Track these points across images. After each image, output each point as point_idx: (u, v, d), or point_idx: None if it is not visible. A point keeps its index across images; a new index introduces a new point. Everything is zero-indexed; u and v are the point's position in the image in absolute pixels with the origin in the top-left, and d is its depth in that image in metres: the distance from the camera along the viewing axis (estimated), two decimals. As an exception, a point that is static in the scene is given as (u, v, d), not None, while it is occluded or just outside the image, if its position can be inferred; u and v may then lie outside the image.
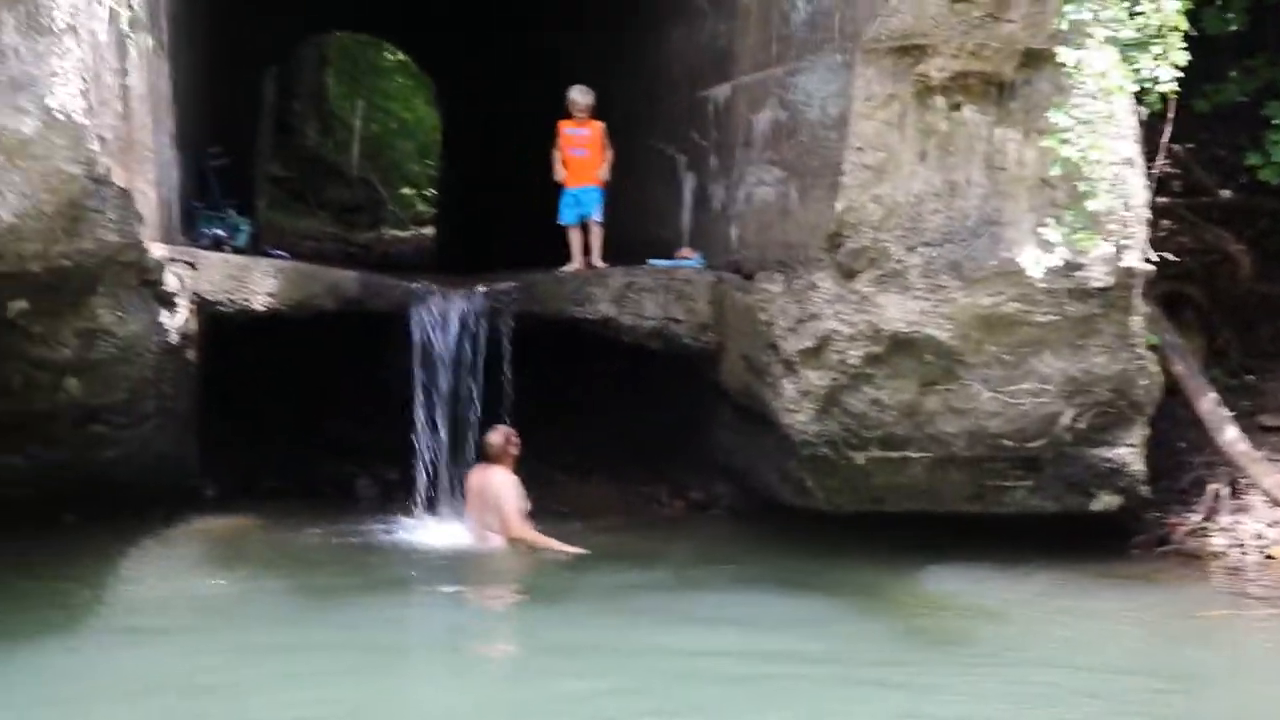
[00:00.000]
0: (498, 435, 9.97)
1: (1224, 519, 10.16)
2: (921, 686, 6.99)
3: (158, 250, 9.00)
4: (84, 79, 7.00)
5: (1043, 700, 6.89)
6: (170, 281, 9.22)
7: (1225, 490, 10.27)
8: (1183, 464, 10.53)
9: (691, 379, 10.94)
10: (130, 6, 8.40)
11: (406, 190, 38.34)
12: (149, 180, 9.33)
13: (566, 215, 11.86)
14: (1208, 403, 10.10)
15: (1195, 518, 10.17)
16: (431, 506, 10.64)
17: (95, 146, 7.15)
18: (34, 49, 6.86)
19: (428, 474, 10.63)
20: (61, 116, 6.96)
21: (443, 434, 10.68)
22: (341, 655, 7.31)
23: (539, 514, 10.06)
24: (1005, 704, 6.83)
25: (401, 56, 34.70)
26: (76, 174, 7.13)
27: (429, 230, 32.01)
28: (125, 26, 8.24)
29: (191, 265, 9.89)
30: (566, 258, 11.88)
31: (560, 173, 11.77)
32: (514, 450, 9.97)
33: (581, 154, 11.82)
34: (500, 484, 9.84)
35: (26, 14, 6.83)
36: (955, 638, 8.04)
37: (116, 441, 9.29)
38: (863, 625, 8.24)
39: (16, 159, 6.98)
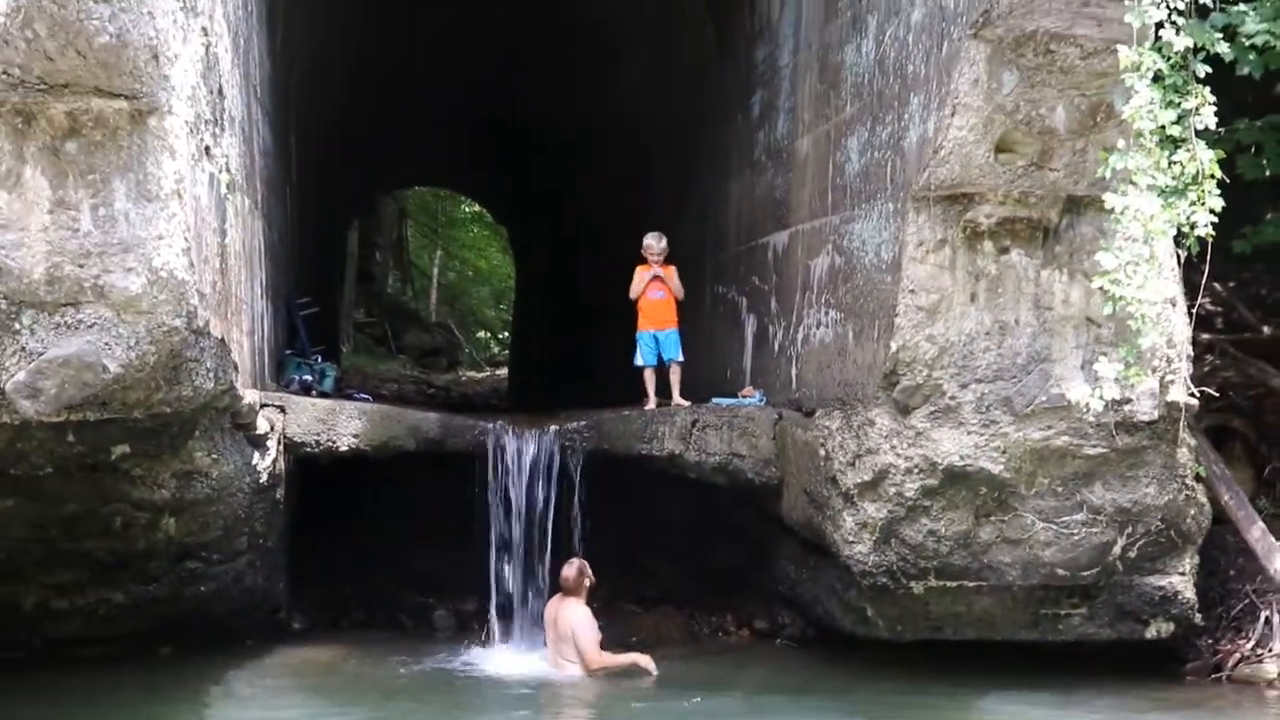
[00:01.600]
0: (572, 569, 9.99)
1: (1276, 645, 9.95)
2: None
3: (250, 396, 9.16)
4: (186, 239, 7.21)
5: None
6: (262, 425, 9.37)
7: (1276, 617, 10.08)
8: (1234, 592, 10.35)
9: (756, 513, 10.94)
10: (228, 170, 8.66)
11: (482, 334, 38.81)
12: (243, 330, 9.55)
13: (645, 356, 11.98)
14: (1257, 531, 9.96)
15: (1248, 645, 9.98)
16: (506, 637, 10.65)
17: (195, 301, 7.33)
18: (143, 214, 7.08)
19: (501, 606, 10.65)
20: (165, 275, 7.15)
21: (518, 567, 10.72)
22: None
23: (610, 644, 10.03)
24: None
25: (476, 208, 35.31)
26: (178, 326, 7.29)
27: (503, 371, 32.31)
28: (224, 189, 8.49)
29: (282, 409, 10.07)
30: (638, 398, 11.99)
31: (636, 291, 11.90)
32: (588, 583, 9.98)
33: (659, 296, 11.98)
34: (575, 616, 9.83)
35: (136, 182, 7.06)
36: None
37: (210, 577, 9.38)
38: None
39: (124, 314, 7.16)
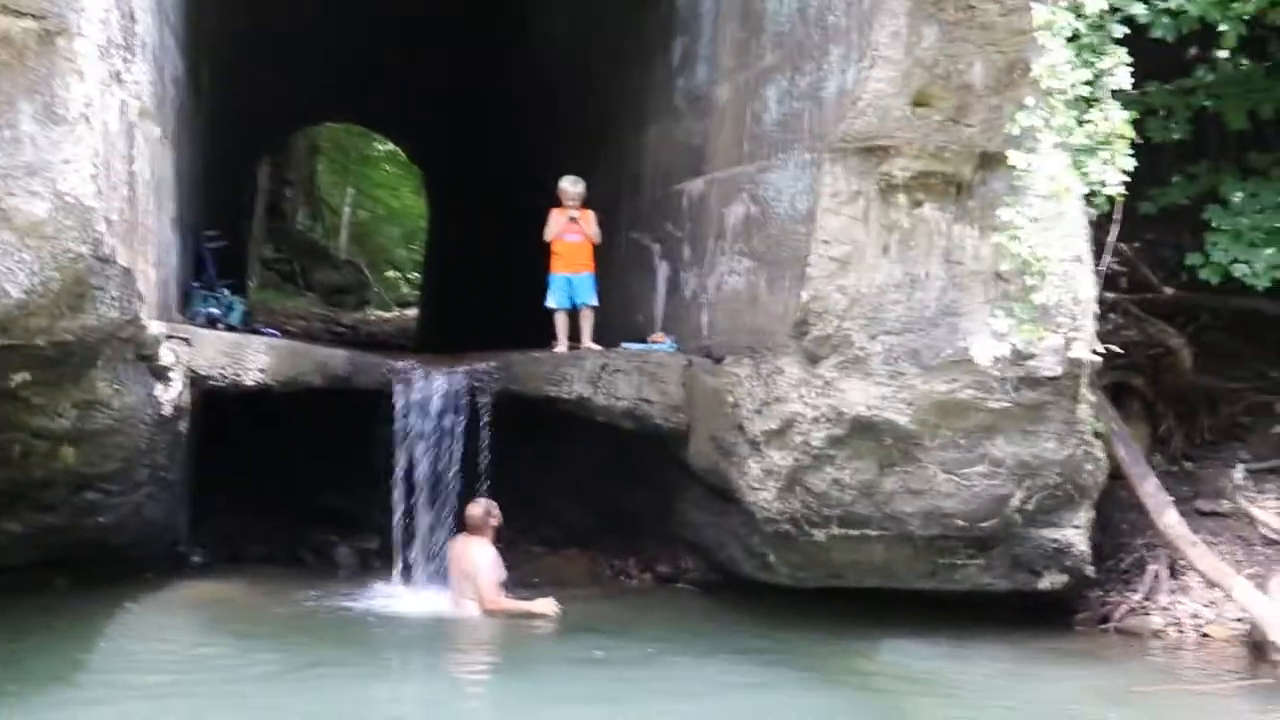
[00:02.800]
0: (478, 507, 9.99)
1: (1163, 599, 10.22)
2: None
3: (155, 327, 9.03)
4: (94, 165, 7.07)
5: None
6: (166, 357, 9.24)
7: (1165, 571, 10.35)
8: (1125, 546, 10.60)
9: (662, 458, 10.99)
10: (139, 98, 8.49)
11: (391, 274, 38.49)
12: (150, 261, 9.39)
13: (558, 299, 11.95)
14: (1150, 487, 10.18)
15: (1136, 597, 10.23)
16: (409, 576, 10.64)
17: (102, 228, 7.21)
18: (49, 136, 6.94)
19: (404, 545, 10.63)
20: (72, 200, 7.03)
21: (423, 506, 10.70)
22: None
23: (514, 584, 10.06)
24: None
25: (390, 146, 34.92)
26: (84, 253, 7.17)
27: (412, 312, 32.10)
28: (134, 116, 8.33)
29: (187, 342, 9.93)
30: (550, 340, 11.97)
31: (551, 233, 11.87)
32: (494, 522, 9.99)
33: (574, 239, 11.94)
34: (478, 555, 9.84)
35: (44, 104, 6.92)
36: (909, 708, 8.07)
37: (109, 509, 9.24)
38: (823, 695, 8.24)
39: (28, 239, 7.03)
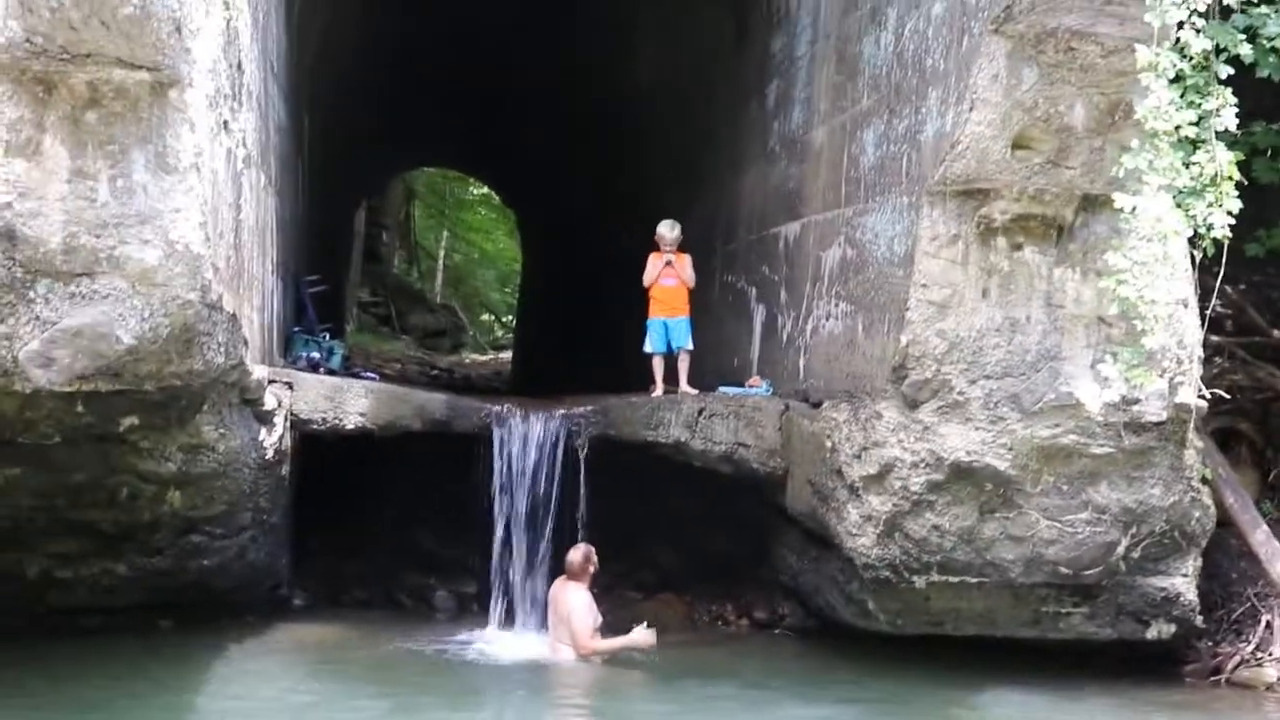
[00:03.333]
0: (578, 553, 10.01)
1: (1276, 650, 9.99)
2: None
3: (259, 371, 9.19)
4: (203, 213, 7.23)
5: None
6: (269, 401, 9.39)
7: (1277, 621, 10.12)
8: (1235, 595, 10.38)
9: (759, 502, 10.97)
10: (245, 145, 8.68)
11: (486, 316, 38.84)
12: (254, 306, 9.58)
13: (654, 343, 12.00)
14: (1260, 535, 9.99)
15: (1248, 648, 10.02)
16: (508, 620, 10.68)
17: (210, 275, 7.35)
18: (161, 186, 7.10)
19: (503, 589, 10.68)
20: (181, 248, 7.18)
21: (521, 551, 10.74)
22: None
23: (609, 630, 10.07)
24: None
25: (484, 190, 35.30)
26: (193, 300, 7.32)
27: (506, 355, 32.34)
28: (240, 165, 8.51)
29: (289, 386, 10.09)
30: (645, 384, 12.02)
31: (649, 278, 11.92)
32: (591, 568, 10.00)
33: (671, 283, 12.00)
34: (573, 600, 9.86)
35: (155, 153, 7.08)
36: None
37: (213, 551, 9.40)
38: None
39: (139, 286, 7.19)
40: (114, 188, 7.07)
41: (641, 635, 9.69)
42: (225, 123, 7.89)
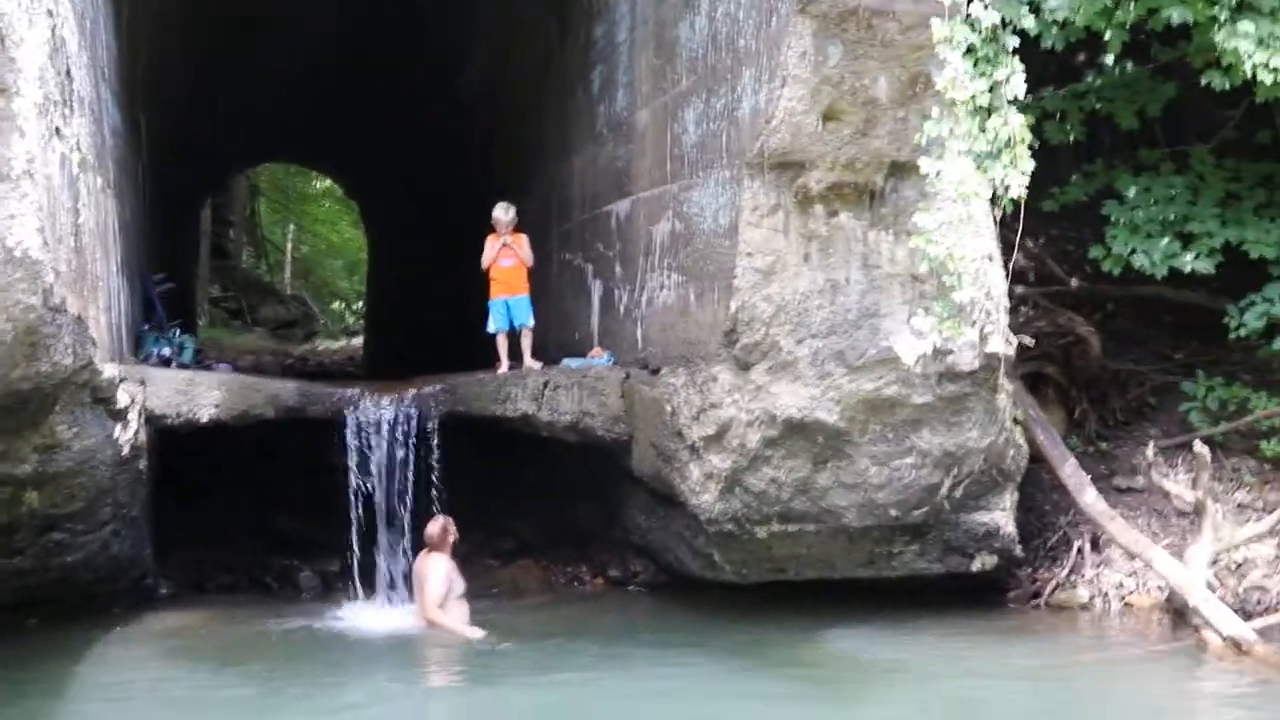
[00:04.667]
0: (434, 525, 9.91)
1: (1088, 573, 10.34)
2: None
3: (110, 370, 8.91)
4: (39, 219, 6.96)
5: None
6: (122, 398, 9.11)
7: (1088, 547, 10.46)
8: (1049, 525, 10.71)
9: (607, 468, 10.98)
10: (79, 150, 8.39)
11: (336, 305, 38.30)
12: (100, 306, 9.28)
13: (498, 322, 11.92)
14: (1069, 468, 10.29)
15: (1063, 573, 10.35)
16: (370, 595, 10.56)
17: (51, 279, 7.10)
18: (-5, 193, 6.85)
19: (364, 566, 10.55)
20: (20, 254, 6.91)
21: (380, 528, 10.62)
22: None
23: (472, 595, 10.00)
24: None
25: (327, 182, 34.76)
26: (34, 304, 7.06)
27: (358, 341, 31.93)
28: (76, 169, 8.22)
29: (141, 382, 9.81)
30: (490, 363, 11.94)
31: (487, 260, 11.83)
32: (450, 537, 9.91)
33: (509, 264, 11.90)
34: (429, 570, 9.76)
35: (-13, 162, 6.83)
36: (858, 692, 8.11)
37: (76, 548, 9.10)
38: (773, 684, 8.27)
39: (-21, 293, 6.93)
40: (-53, 198, 6.78)
41: (473, 631, 9.59)
42: (57, 129, 7.61)
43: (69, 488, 8.62)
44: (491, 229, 11.92)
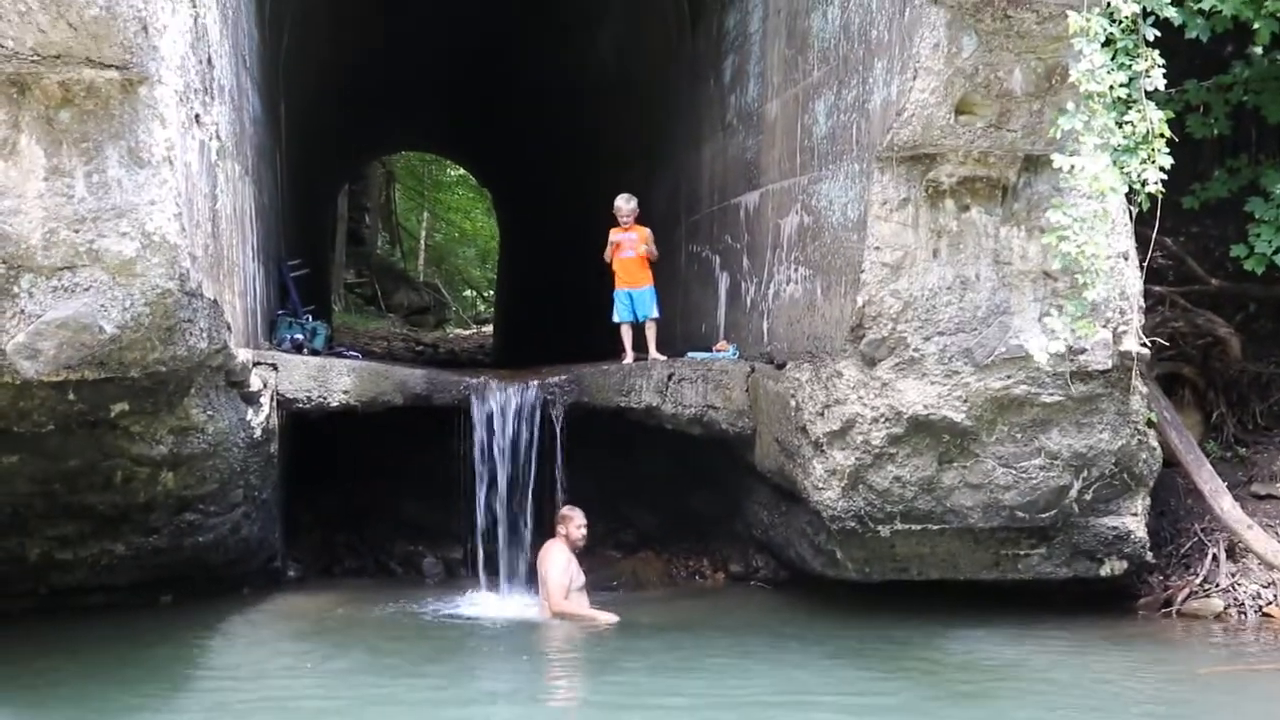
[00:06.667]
0: (562, 514, 10.01)
1: (1223, 581, 10.05)
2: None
3: (244, 354, 9.12)
4: (178, 204, 7.15)
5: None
6: (255, 382, 9.33)
7: (1223, 554, 10.18)
8: (1183, 531, 10.44)
9: (729, 461, 10.96)
10: (218, 137, 8.58)
11: (468, 293, 38.73)
12: (236, 291, 9.49)
13: (621, 313, 11.97)
14: (1204, 474, 10.03)
15: (1196, 581, 10.07)
16: (492, 583, 10.67)
17: (187, 264, 7.27)
18: (135, 180, 7.01)
19: (487, 554, 10.67)
20: (158, 239, 7.10)
21: (503, 516, 10.72)
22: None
23: (594, 587, 10.06)
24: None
25: (461, 171, 35.14)
26: (172, 289, 7.24)
27: (488, 329, 32.26)
28: (214, 156, 8.42)
29: (274, 367, 10.03)
30: (618, 353, 11.99)
31: (609, 253, 11.91)
32: (572, 529, 9.96)
33: (630, 255, 11.95)
34: (551, 560, 9.83)
35: (129, 149, 6.99)
36: (979, 695, 7.98)
37: (207, 529, 9.35)
38: (894, 683, 8.17)
39: (119, 277, 7.11)
40: (90, 183, 6.98)
41: (605, 616, 9.65)
42: (197, 116, 7.79)
43: (202, 469, 8.84)
44: (615, 220, 11.97)
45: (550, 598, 9.72)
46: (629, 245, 11.93)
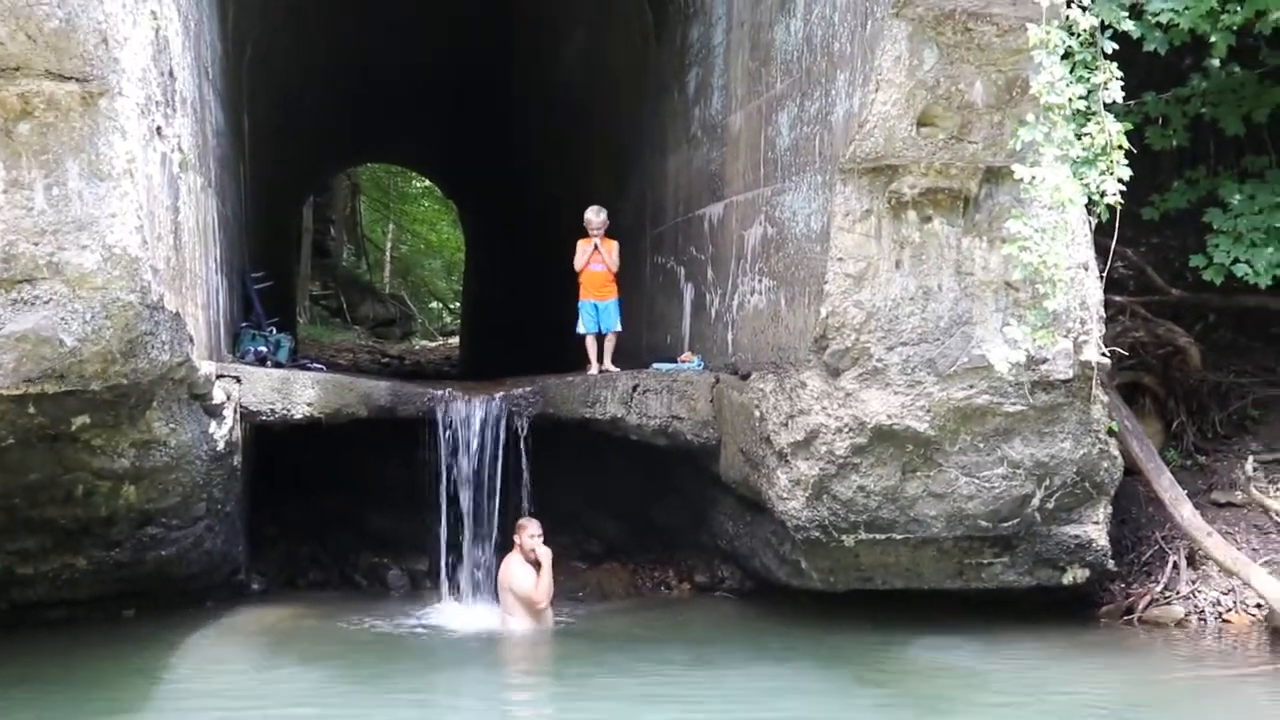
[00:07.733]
0: (518, 524, 9.99)
1: (1183, 588, 10.12)
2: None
3: (206, 367, 9.06)
4: (139, 217, 7.10)
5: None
6: (218, 395, 9.27)
7: (1184, 562, 10.24)
8: (1144, 539, 10.51)
9: (694, 472, 10.96)
10: (181, 150, 8.54)
11: (434, 304, 38.66)
12: (199, 304, 9.44)
13: (587, 325, 11.99)
14: (1165, 482, 10.09)
15: (1157, 588, 10.14)
16: (457, 594, 10.63)
17: (149, 277, 7.23)
18: (96, 192, 6.96)
19: (451, 565, 10.62)
20: (119, 251, 7.05)
21: (468, 528, 10.69)
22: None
23: (559, 598, 10.03)
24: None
25: (426, 183, 35.09)
26: (133, 301, 7.19)
27: (455, 340, 32.20)
28: (176, 168, 8.37)
29: (237, 380, 9.97)
30: (584, 364, 11.99)
31: (579, 263, 11.92)
32: (526, 537, 9.90)
33: (599, 268, 11.97)
34: (509, 572, 9.82)
35: (89, 162, 6.94)
36: (943, 702, 8.01)
37: (170, 542, 9.28)
38: (859, 692, 8.20)
39: (79, 290, 7.06)
40: (50, 196, 6.92)
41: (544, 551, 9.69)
42: (158, 128, 7.75)
43: (165, 483, 8.77)
44: (584, 232, 11.98)
45: (530, 602, 9.69)
46: (597, 258, 11.96)
